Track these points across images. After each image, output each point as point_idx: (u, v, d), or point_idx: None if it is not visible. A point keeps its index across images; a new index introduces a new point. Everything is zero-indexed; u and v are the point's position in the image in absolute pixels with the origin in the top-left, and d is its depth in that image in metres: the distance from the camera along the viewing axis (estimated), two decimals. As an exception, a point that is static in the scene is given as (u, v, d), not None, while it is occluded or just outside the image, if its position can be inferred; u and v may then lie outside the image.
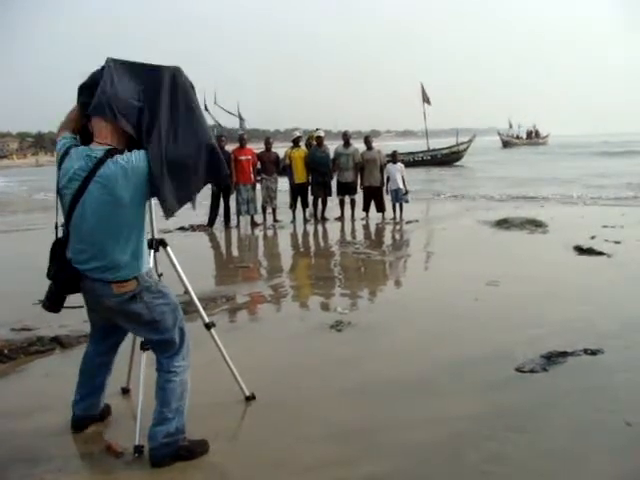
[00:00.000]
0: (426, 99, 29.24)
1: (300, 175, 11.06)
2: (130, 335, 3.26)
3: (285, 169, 11.20)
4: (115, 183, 2.42)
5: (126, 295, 2.55)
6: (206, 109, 33.03)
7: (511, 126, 62.61)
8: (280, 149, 12.50)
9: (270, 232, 10.61)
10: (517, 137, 61.16)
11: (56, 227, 2.64)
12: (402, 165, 11.35)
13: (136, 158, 2.46)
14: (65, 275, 2.58)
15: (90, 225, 2.48)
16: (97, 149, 2.48)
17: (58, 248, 2.62)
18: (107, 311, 2.66)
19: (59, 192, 2.57)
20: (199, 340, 3.64)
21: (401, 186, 10.96)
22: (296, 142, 11.35)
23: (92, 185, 2.43)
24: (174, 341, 2.74)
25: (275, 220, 11.25)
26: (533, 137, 62.15)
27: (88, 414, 3.05)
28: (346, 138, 11.43)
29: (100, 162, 2.43)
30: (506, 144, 55.53)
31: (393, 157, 11.35)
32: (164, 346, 2.74)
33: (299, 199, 11.24)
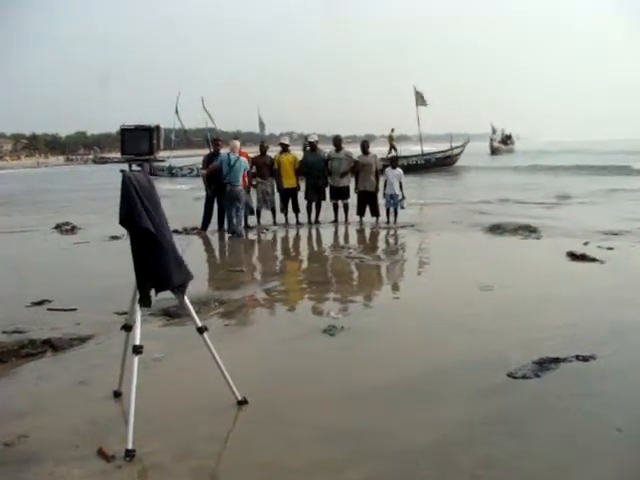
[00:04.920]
0: (421, 102, 28.64)
1: (289, 180, 11.07)
2: (122, 339, 3.30)
3: (274, 173, 11.22)
4: None
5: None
6: (176, 112, 32.91)
7: (494, 131, 62.69)
8: (275, 153, 12.47)
9: (264, 236, 10.60)
10: (500, 142, 61.30)
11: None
12: (401, 171, 11.31)
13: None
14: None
15: None
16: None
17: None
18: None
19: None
20: (191, 344, 3.65)
21: (397, 192, 10.98)
22: (284, 147, 11.36)
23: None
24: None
25: (274, 223, 11.25)
26: (508, 143, 62.42)
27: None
28: (337, 142, 11.40)
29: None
30: (495, 151, 56.06)
31: (392, 162, 11.37)
32: (241, 207, 10.08)
33: (290, 204, 11.25)
